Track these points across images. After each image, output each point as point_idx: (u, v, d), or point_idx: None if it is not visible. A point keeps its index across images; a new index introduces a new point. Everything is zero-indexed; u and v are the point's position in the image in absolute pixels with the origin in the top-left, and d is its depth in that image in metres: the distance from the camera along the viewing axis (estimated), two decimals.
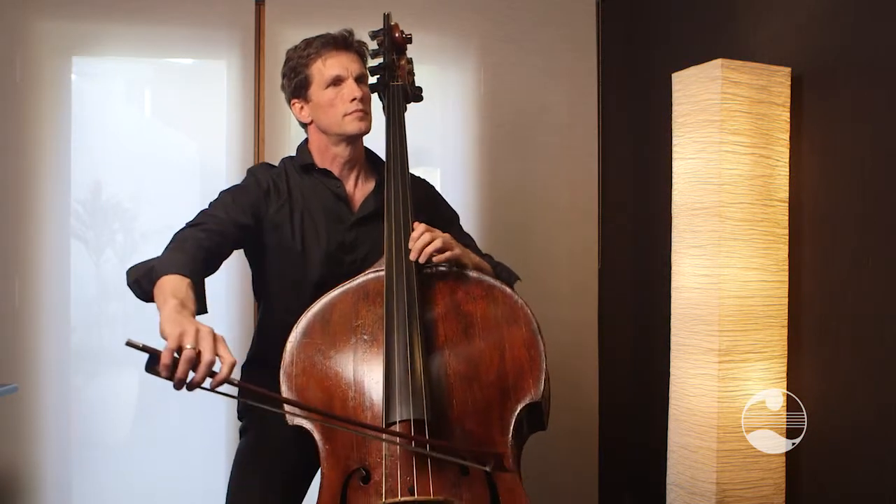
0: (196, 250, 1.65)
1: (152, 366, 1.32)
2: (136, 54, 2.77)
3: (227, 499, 1.71)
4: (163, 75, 2.86)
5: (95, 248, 2.75)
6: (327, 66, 1.88)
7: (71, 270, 2.68)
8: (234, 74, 2.75)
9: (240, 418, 1.97)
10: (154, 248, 2.69)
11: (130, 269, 1.64)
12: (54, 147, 2.66)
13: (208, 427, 2.72)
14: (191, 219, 1.79)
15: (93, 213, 2.74)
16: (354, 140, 1.93)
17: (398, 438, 1.51)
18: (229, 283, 2.68)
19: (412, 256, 1.69)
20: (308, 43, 1.91)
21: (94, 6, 2.67)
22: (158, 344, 1.35)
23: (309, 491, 1.81)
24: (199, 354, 1.33)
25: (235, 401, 2.01)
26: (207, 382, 1.35)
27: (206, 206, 1.84)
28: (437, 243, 1.69)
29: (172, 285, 1.52)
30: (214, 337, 1.36)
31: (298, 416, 1.59)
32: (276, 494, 1.69)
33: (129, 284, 1.63)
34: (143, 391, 2.79)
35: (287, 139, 2.73)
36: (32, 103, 2.63)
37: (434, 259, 1.70)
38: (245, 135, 2.74)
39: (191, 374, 1.34)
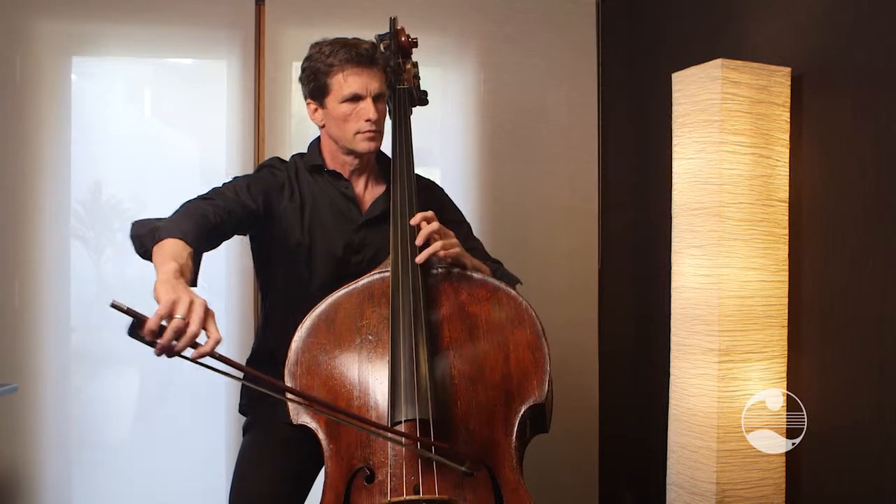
0: (203, 221, 1.64)
1: (136, 330, 1.32)
2: (136, 54, 2.77)
3: (230, 497, 1.71)
4: (163, 75, 2.85)
5: (95, 248, 2.75)
6: (348, 83, 1.84)
7: (71, 270, 2.68)
8: (234, 74, 2.74)
9: (243, 413, 1.97)
10: None
11: (135, 222, 1.63)
12: (54, 147, 2.66)
13: (209, 426, 2.72)
14: (203, 192, 1.79)
15: (93, 213, 2.74)
16: (362, 155, 1.92)
17: (405, 440, 1.51)
18: (229, 279, 2.68)
19: (418, 241, 1.69)
20: (333, 50, 1.84)
21: (94, 6, 2.67)
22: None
23: (312, 490, 1.81)
24: (186, 325, 1.34)
25: (237, 400, 2.02)
26: (189, 352, 1.36)
27: (220, 185, 1.84)
28: (436, 230, 1.71)
29: (174, 249, 1.52)
30: (206, 310, 1.36)
31: (302, 411, 1.60)
32: (279, 492, 1.69)
33: (130, 237, 1.63)
34: (143, 391, 2.79)
35: (287, 139, 2.73)
36: (32, 103, 2.63)
37: (433, 246, 1.69)
38: (245, 135, 2.74)
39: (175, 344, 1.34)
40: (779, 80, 1.89)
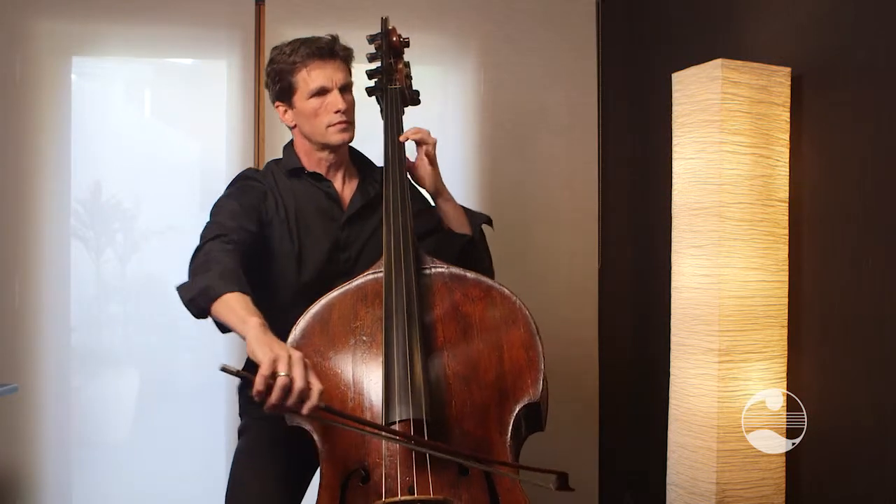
0: (236, 265, 1.63)
1: (246, 389, 1.35)
2: (136, 54, 2.77)
3: (226, 499, 1.71)
4: (163, 75, 2.86)
5: (95, 248, 2.75)
6: (312, 77, 1.87)
7: (71, 270, 2.68)
8: (234, 74, 2.75)
9: (241, 416, 1.97)
10: (154, 248, 2.75)
11: (180, 287, 1.61)
12: (54, 147, 2.66)
13: (208, 427, 2.72)
14: (204, 231, 1.75)
15: (93, 213, 2.74)
16: (337, 148, 1.93)
17: (405, 440, 1.51)
18: None
19: (402, 137, 1.88)
20: (293, 49, 1.88)
21: (94, 6, 2.67)
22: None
23: (308, 490, 1.81)
24: (292, 381, 1.37)
25: (237, 400, 2.02)
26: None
27: (211, 216, 1.81)
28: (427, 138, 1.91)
29: (244, 302, 1.53)
30: (305, 364, 1.40)
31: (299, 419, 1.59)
32: (275, 493, 1.69)
33: (184, 303, 1.60)
34: (143, 391, 2.79)
35: (287, 139, 2.72)
36: (32, 103, 2.63)
37: (416, 140, 1.90)
38: (245, 135, 2.74)
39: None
40: (779, 80, 1.89)
